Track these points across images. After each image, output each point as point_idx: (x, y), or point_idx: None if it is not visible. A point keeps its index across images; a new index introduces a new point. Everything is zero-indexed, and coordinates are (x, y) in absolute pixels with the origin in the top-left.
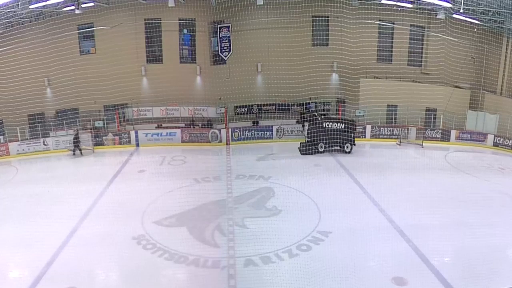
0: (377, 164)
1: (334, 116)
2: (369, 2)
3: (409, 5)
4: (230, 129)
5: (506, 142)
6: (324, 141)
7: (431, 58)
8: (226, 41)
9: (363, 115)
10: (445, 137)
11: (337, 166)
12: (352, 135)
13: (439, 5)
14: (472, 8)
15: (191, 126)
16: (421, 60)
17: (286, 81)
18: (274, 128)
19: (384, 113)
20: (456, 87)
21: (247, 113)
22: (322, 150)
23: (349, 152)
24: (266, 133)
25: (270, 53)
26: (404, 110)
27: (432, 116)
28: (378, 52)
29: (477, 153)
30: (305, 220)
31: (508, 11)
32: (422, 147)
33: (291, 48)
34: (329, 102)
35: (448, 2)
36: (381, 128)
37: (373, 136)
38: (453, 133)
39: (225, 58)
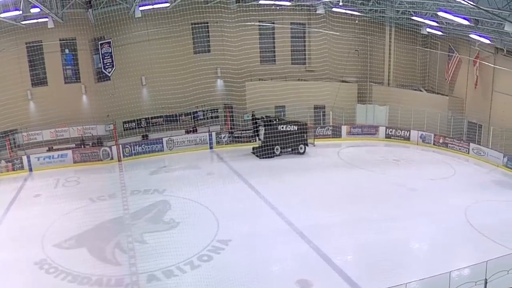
0: (270, 166)
1: (287, 119)
2: (247, 4)
3: (288, 3)
4: (120, 145)
5: (398, 133)
6: (280, 144)
7: (315, 54)
8: (108, 57)
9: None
10: (336, 134)
11: (231, 172)
12: (305, 136)
13: (318, 0)
14: None
15: (82, 146)
16: (305, 57)
17: (172, 92)
18: (164, 140)
19: (272, 115)
20: (343, 81)
21: (135, 128)
22: (279, 152)
23: (303, 153)
24: (156, 146)
25: (153, 65)
26: (292, 110)
27: (321, 113)
28: (261, 54)
29: (370, 147)
30: (203, 230)
31: None
32: (314, 145)
33: (173, 58)
34: (216, 109)
35: None
36: None
37: None
38: (344, 129)
39: (109, 75)
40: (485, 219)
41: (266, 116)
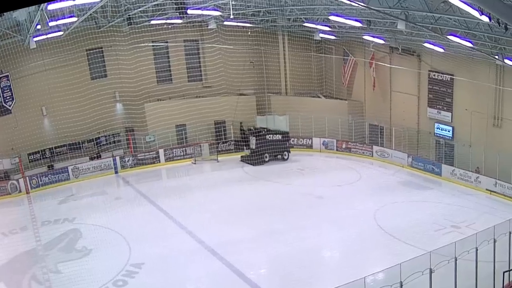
0: (176, 187)
1: (272, 129)
2: (139, 25)
3: (179, 21)
4: (27, 177)
5: (300, 141)
6: (268, 152)
7: (211, 70)
8: (8, 90)
9: (154, 140)
10: (239, 148)
11: (138, 196)
12: (288, 144)
13: (209, 15)
14: (242, 12)
15: None
16: (201, 74)
17: (73, 120)
18: (70, 168)
19: (174, 134)
20: (241, 94)
21: (41, 159)
22: (267, 159)
23: (286, 159)
24: (62, 175)
25: (52, 94)
26: (193, 128)
27: (222, 128)
28: (157, 74)
29: None
30: (116, 255)
31: (278, 8)
32: (218, 161)
33: (71, 86)
34: (118, 133)
35: (217, 10)
36: (174, 150)
37: (168, 159)
38: None
39: (10, 108)
40: (394, 221)
41: (253, 127)
